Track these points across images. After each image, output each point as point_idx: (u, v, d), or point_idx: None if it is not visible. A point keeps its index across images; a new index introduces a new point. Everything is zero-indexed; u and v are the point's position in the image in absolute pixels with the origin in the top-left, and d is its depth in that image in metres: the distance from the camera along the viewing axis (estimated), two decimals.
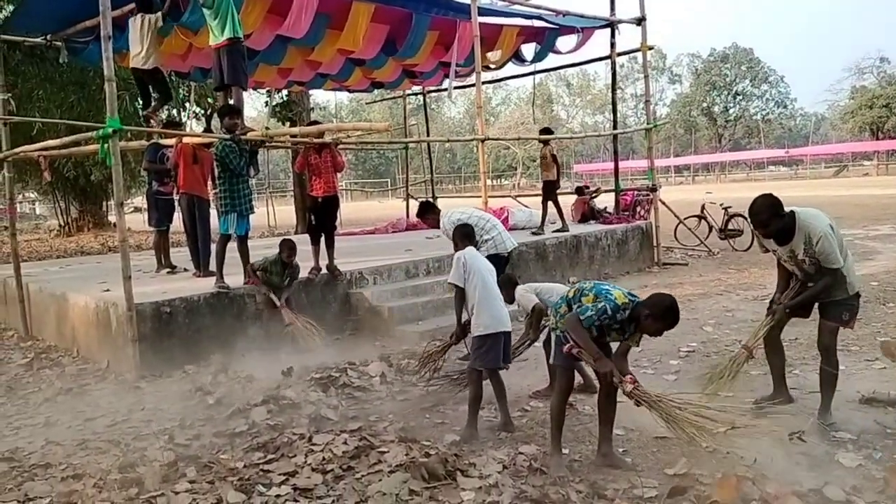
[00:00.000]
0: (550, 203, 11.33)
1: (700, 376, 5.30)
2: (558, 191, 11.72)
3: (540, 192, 11.87)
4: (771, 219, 4.23)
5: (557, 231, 11.11)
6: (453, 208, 7.11)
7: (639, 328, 3.89)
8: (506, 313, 4.75)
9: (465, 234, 5.19)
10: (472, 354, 4.83)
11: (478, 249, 5.42)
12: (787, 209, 4.30)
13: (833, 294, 4.37)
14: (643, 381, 5.57)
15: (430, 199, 7.43)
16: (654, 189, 12.98)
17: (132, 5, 8.17)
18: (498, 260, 6.27)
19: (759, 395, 4.82)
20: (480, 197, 9.85)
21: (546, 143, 11.72)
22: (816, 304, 4.54)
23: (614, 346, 4.12)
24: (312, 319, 7.08)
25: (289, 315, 7.00)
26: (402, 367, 6.23)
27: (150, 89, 8.81)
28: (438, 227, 6.86)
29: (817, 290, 4.33)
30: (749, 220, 4.47)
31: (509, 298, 5.64)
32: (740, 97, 74.08)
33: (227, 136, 7.23)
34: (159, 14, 8.22)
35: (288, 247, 7.10)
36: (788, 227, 4.26)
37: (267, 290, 7.06)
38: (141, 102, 9.64)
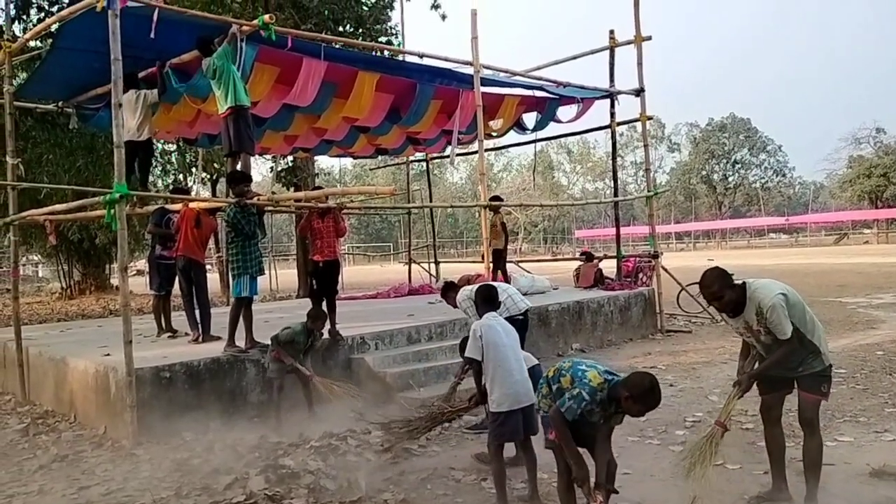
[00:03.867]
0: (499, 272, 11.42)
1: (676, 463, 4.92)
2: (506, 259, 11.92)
3: (543, 258, 11.94)
4: (722, 290, 4.19)
5: None
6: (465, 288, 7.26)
7: (620, 409, 3.76)
8: (523, 387, 4.55)
9: (485, 298, 5.10)
10: (489, 429, 4.71)
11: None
12: (738, 281, 4.26)
13: (812, 366, 4.24)
14: (649, 451, 5.52)
15: (453, 280, 7.56)
16: (655, 255, 13.02)
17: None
18: (513, 323, 6.27)
19: (755, 492, 4.49)
20: (482, 262, 9.89)
21: (496, 211, 11.83)
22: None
23: None
24: (315, 386, 7.01)
25: (323, 383, 7.01)
26: (404, 435, 6.12)
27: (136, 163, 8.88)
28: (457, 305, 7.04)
29: (777, 357, 4.20)
30: (701, 294, 4.37)
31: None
32: (739, 165, 75.22)
33: (235, 201, 7.33)
34: (154, 91, 8.50)
35: (321, 318, 7.20)
36: (739, 298, 4.21)
37: (293, 361, 6.93)
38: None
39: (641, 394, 3.62)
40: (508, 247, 12.05)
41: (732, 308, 4.24)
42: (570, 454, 3.81)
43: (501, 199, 12.55)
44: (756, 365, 4.39)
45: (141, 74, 8.62)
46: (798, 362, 4.25)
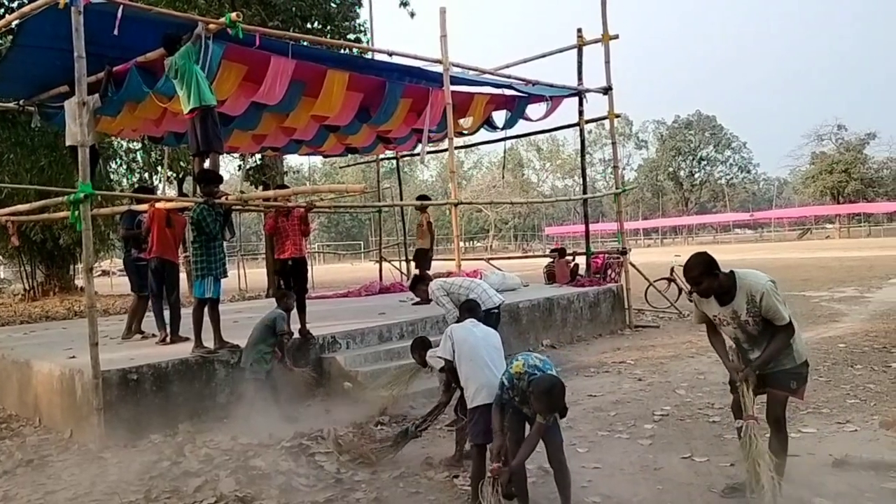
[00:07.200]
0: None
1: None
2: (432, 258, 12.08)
3: (513, 255, 12.03)
4: (703, 276, 4.09)
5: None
6: (438, 278, 7.38)
7: None
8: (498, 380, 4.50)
9: (467, 308, 5.39)
10: (468, 428, 4.68)
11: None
12: (726, 269, 4.19)
13: (781, 362, 4.20)
14: (618, 445, 5.59)
15: (423, 274, 7.66)
16: (624, 252, 13.17)
17: (92, 78, 8.23)
18: (488, 316, 6.33)
19: (724, 484, 4.52)
20: (454, 259, 9.92)
21: (423, 210, 11.85)
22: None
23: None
24: (285, 385, 6.99)
25: (301, 374, 7.19)
26: (375, 434, 6.12)
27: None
28: (428, 298, 7.12)
29: (779, 344, 4.11)
30: (684, 277, 4.32)
31: (421, 362, 5.68)
32: (705, 162, 76.37)
33: (202, 200, 7.25)
34: (96, 96, 8.29)
35: (289, 296, 7.36)
36: (727, 285, 4.12)
37: (282, 355, 6.94)
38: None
39: (539, 393, 3.85)
40: (438, 246, 12.23)
41: (718, 295, 4.16)
42: (494, 425, 4.14)
43: (429, 199, 12.61)
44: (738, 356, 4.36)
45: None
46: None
